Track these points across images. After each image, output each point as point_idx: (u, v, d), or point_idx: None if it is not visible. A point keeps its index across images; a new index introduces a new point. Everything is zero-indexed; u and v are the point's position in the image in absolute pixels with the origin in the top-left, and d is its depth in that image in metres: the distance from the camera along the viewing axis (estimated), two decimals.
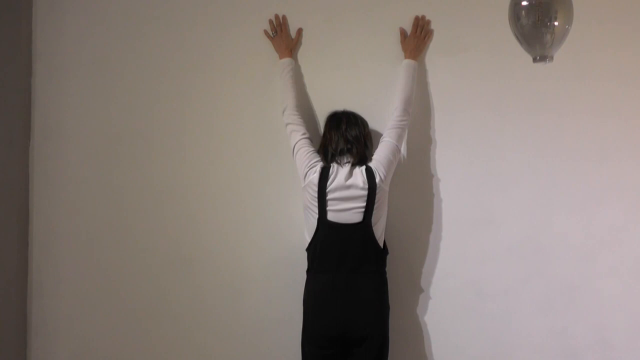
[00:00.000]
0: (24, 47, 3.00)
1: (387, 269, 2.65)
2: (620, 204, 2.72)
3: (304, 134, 2.68)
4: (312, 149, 2.66)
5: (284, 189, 2.86)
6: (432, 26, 2.80)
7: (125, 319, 2.98)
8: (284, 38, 2.83)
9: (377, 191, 2.54)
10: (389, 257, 2.66)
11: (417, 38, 2.77)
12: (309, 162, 2.61)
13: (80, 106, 3.00)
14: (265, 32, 2.87)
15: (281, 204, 2.87)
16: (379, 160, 2.60)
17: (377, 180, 2.54)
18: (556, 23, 1.94)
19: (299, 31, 2.85)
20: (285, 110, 2.72)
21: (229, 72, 2.92)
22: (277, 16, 2.86)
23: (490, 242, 2.79)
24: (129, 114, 2.98)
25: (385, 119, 2.75)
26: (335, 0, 2.86)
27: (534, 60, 2.01)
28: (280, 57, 2.82)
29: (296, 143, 2.66)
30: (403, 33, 2.79)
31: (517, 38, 2.02)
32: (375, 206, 2.54)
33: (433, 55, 2.80)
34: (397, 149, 2.64)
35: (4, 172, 2.96)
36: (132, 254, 2.97)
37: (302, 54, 2.87)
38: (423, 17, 2.78)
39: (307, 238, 2.62)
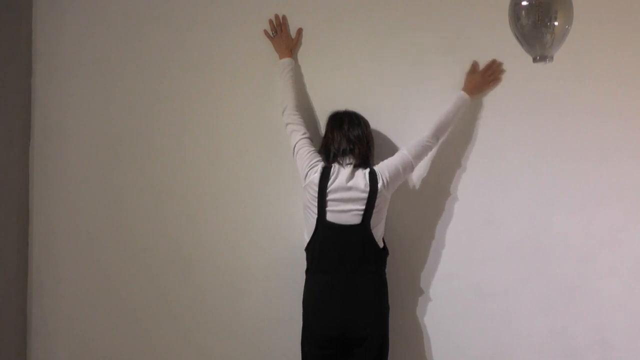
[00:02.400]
0: (24, 47, 3.00)
1: (387, 269, 2.64)
2: (620, 204, 2.71)
3: (304, 133, 2.67)
4: (313, 148, 2.65)
5: (284, 189, 2.86)
6: (432, 25, 2.80)
7: (125, 319, 2.98)
8: (284, 38, 2.83)
9: (378, 196, 2.52)
10: (389, 258, 2.66)
11: (483, 78, 2.73)
12: (310, 161, 2.60)
13: (80, 106, 3.01)
14: (265, 32, 2.87)
15: (281, 204, 2.87)
16: (387, 166, 2.58)
17: (380, 184, 2.53)
18: (556, 23, 1.94)
19: (299, 31, 2.85)
20: (285, 110, 2.72)
21: (229, 72, 2.92)
22: (277, 16, 2.86)
23: (490, 242, 2.79)
24: (129, 114, 2.98)
25: (385, 119, 2.76)
26: (335, 0, 2.86)
27: (534, 60, 2.01)
28: (280, 57, 2.82)
29: (297, 143, 2.66)
30: (475, 66, 2.75)
31: (517, 38, 2.02)
32: (375, 210, 2.53)
33: (433, 55, 2.80)
34: (410, 165, 2.61)
35: (4, 172, 2.96)
36: (132, 254, 2.97)
37: (302, 54, 2.87)
38: (500, 64, 2.75)
39: (306, 238, 2.62)
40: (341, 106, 2.73)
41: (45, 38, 3.02)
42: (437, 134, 2.64)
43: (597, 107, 2.72)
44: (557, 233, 2.75)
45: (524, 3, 1.96)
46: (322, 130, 2.75)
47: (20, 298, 3.01)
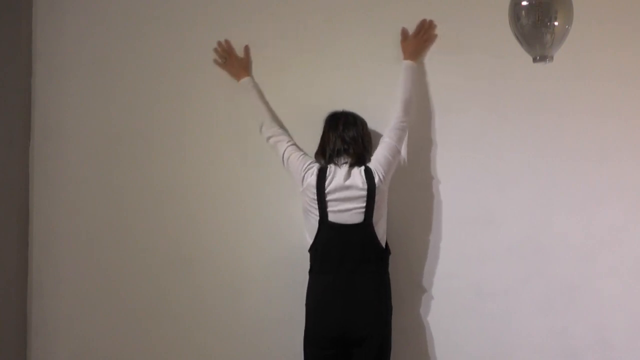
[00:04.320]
0: (24, 47, 3.00)
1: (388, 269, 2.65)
2: (620, 204, 2.72)
3: (288, 141, 2.69)
4: (302, 152, 2.66)
5: (284, 189, 2.85)
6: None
7: (125, 319, 2.98)
8: (235, 61, 2.85)
9: (377, 192, 2.53)
10: (390, 257, 2.66)
11: (417, 40, 2.76)
12: (304, 165, 2.61)
13: (80, 106, 3.01)
14: (215, 60, 2.88)
15: (281, 204, 2.87)
16: (378, 160, 2.59)
17: (376, 180, 2.54)
18: (556, 23, 1.94)
19: (247, 48, 2.86)
20: (263, 126, 2.74)
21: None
22: (220, 43, 2.87)
23: (490, 242, 2.79)
24: (129, 114, 2.98)
25: (385, 119, 2.74)
26: (335, 0, 2.86)
27: (534, 60, 2.00)
28: (239, 79, 2.83)
29: (284, 151, 2.67)
30: (405, 33, 2.78)
31: (517, 38, 2.02)
32: (375, 206, 2.53)
33: (433, 55, 2.79)
34: (396, 150, 2.63)
35: (4, 172, 2.96)
36: (132, 254, 2.97)
37: (302, 54, 2.87)
38: (431, 22, 2.77)
39: (309, 240, 2.61)
40: (341, 106, 2.73)
41: (45, 38, 3.02)
42: (406, 111, 2.66)
43: (597, 107, 2.72)
44: (557, 233, 2.75)
45: (524, 3, 1.96)
46: (319, 132, 2.74)
47: (20, 298, 3.01)
